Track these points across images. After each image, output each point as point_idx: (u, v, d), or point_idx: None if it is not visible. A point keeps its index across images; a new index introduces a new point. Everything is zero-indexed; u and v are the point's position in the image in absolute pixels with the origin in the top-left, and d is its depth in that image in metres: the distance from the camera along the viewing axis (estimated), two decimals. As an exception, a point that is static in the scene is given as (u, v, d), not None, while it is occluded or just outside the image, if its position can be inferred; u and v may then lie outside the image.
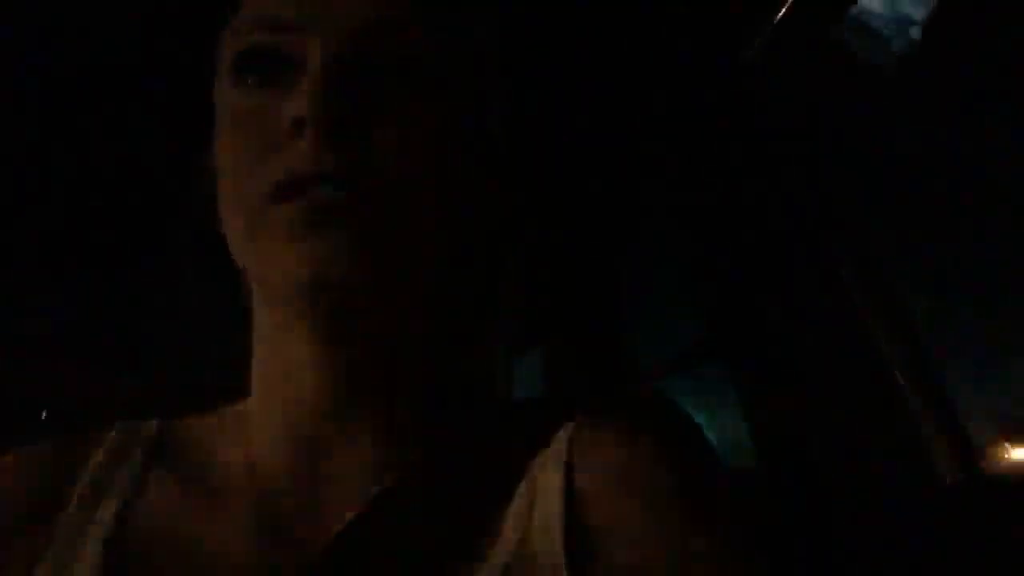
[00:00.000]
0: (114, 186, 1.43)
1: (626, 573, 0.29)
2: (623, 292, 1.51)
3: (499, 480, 0.33)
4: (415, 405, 0.36)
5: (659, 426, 0.34)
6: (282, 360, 0.34)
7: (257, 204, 0.30)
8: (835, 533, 0.81)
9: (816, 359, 0.87)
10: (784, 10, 0.90)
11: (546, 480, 0.32)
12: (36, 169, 1.39)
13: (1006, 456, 0.73)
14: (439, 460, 0.35)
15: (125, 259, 1.72)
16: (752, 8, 0.94)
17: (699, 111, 1.08)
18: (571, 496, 0.31)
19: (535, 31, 1.01)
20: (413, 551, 0.31)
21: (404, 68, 0.32)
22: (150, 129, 1.21)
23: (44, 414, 2.00)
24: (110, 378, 2.13)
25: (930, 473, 0.74)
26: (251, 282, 0.35)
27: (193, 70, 0.39)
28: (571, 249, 1.60)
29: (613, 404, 0.36)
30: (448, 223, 0.34)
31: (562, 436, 0.34)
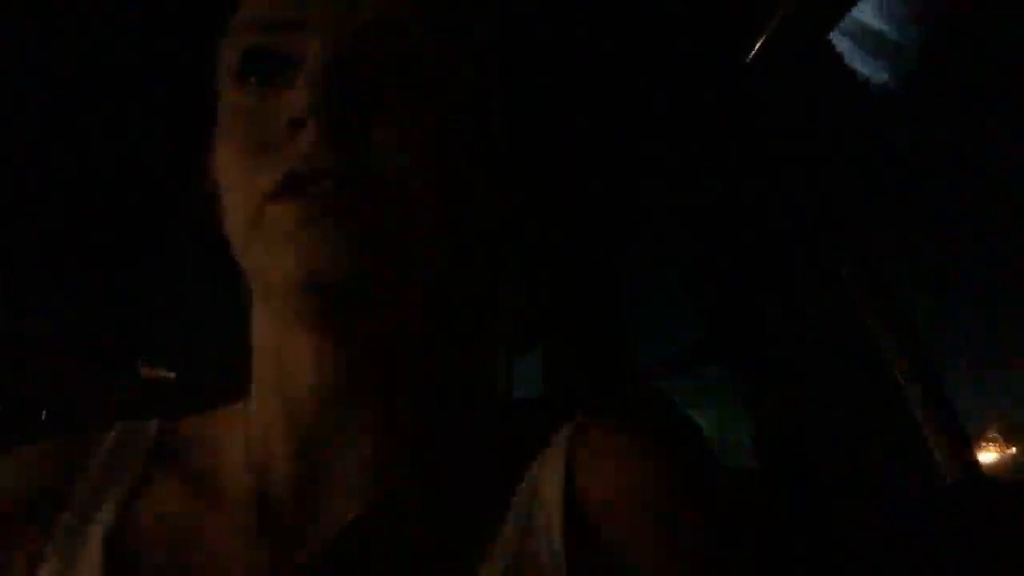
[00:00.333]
0: (114, 186, 1.43)
1: (626, 573, 0.29)
2: (623, 292, 1.51)
3: (499, 480, 0.33)
4: (415, 405, 0.36)
5: (659, 427, 0.34)
6: (282, 360, 0.34)
7: (257, 203, 0.30)
8: (835, 533, 0.80)
9: (816, 359, 0.87)
10: (784, 10, 0.89)
11: (546, 480, 0.32)
12: (36, 169, 1.39)
13: (1006, 456, 0.73)
14: (439, 460, 0.35)
15: (125, 259, 1.73)
16: (752, 8, 0.94)
17: (699, 111, 1.08)
18: (571, 496, 0.31)
19: (535, 31, 1.01)
20: (413, 551, 0.31)
21: (404, 67, 0.32)
22: (150, 129, 1.21)
23: (44, 414, 2.00)
24: (110, 378, 2.13)
25: (930, 473, 0.74)
26: (251, 281, 0.35)
27: (193, 70, 0.39)
28: (571, 249, 1.60)
29: (613, 404, 0.36)
30: (448, 222, 0.34)
31: (562, 436, 0.34)
